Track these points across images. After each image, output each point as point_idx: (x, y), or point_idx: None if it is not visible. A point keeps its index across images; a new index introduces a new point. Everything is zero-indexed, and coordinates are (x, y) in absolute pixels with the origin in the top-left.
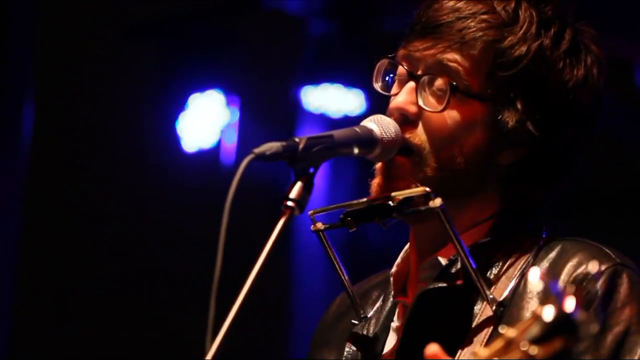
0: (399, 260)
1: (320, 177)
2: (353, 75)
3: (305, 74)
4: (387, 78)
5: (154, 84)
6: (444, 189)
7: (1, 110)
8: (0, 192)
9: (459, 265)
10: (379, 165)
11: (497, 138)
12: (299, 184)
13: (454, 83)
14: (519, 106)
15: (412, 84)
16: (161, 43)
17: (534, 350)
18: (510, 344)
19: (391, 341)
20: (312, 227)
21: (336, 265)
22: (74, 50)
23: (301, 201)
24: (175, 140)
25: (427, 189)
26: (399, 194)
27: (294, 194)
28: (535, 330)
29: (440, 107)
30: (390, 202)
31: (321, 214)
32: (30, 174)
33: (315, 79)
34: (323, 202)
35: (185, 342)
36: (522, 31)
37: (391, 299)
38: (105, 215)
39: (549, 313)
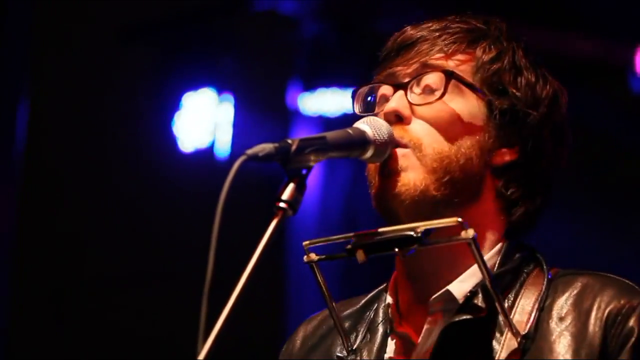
0: (390, 291)
1: (314, 178)
2: (347, 76)
3: (299, 74)
4: (367, 100)
5: (149, 84)
6: (443, 185)
7: None
8: None
9: (480, 297)
10: (374, 173)
11: (492, 134)
12: (291, 186)
13: (448, 70)
14: (509, 98)
15: (400, 92)
16: (155, 43)
17: None
18: None
19: None
20: (305, 259)
21: (327, 298)
22: (68, 51)
23: (293, 202)
24: (172, 140)
25: (459, 219)
26: (425, 225)
27: (286, 195)
28: None
29: (438, 95)
30: (411, 232)
31: (317, 243)
32: (25, 174)
33: (309, 80)
34: (316, 203)
35: (181, 343)
36: (495, 36)
37: (381, 331)
38: (102, 216)
39: None
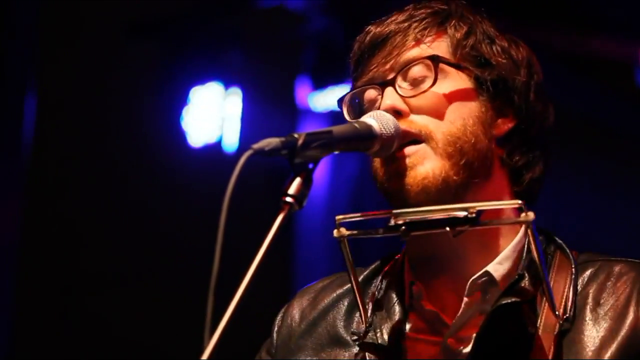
0: (409, 268)
1: (321, 172)
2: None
3: (306, 69)
4: (356, 105)
5: (157, 79)
6: (462, 174)
7: (3, 107)
8: (1, 187)
9: (526, 280)
10: (380, 169)
11: (488, 107)
12: (297, 180)
13: (433, 55)
14: (493, 62)
15: (389, 88)
16: (163, 38)
17: None
18: None
19: (413, 352)
20: (335, 233)
21: (352, 276)
22: (76, 46)
23: (300, 197)
24: (181, 135)
25: (520, 201)
26: (482, 205)
27: (292, 189)
28: None
29: (429, 83)
30: (465, 212)
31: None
32: (32, 169)
33: (317, 74)
34: (324, 197)
35: (189, 339)
36: (459, 13)
37: (398, 308)
38: (110, 212)
39: None
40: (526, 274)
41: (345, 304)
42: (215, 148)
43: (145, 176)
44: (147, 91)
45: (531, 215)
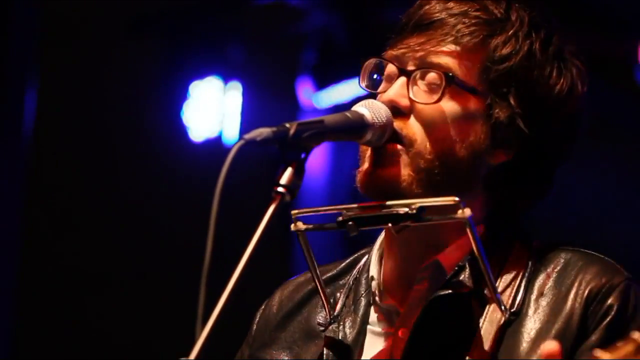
0: (375, 263)
1: (322, 160)
2: (356, 67)
3: (306, 64)
4: (374, 77)
5: (157, 74)
6: (433, 185)
7: (3, 101)
8: (1, 180)
9: (467, 272)
10: (367, 153)
11: (488, 135)
12: (289, 170)
13: (450, 74)
14: (511, 101)
15: (403, 79)
16: (163, 34)
17: None
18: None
19: (371, 345)
20: (292, 227)
21: (312, 268)
22: (76, 41)
23: (292, 187)
24: (182, 130)
25: (456, 198)
26: (421, 202)
27: (284, 179)
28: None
29: (435, 98)
30: (406, 209)
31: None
32: (32, 163)
33: (317, 70)
34: (325, 185)
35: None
36: (513, 29)
37: (364, 302)
38: (111, 207)
39: None
40: (467, 266)
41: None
42: (216, 143)
43: (146, 171)
44: (148, 86)
45: (467, 212)
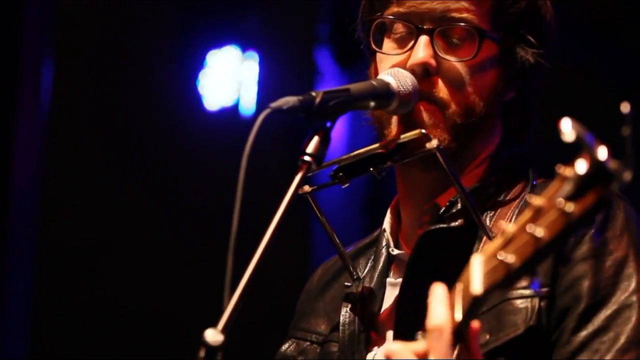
0: (388, 216)
1: (340, 133)
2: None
3: (324, 30)
4: (377, 38)
5: (173, 43)
6: (465, 136)
7: (20, 72)
8: (21, 152)
9: (458, 206)
10: (392, 119)
11: (506, 77)
12: (315, 138)
13: (480, 28)
14: (532, 40)
15: (425, 38)
16: (180, 2)
17: (569, 207)
18: (540, 211)
19: (389, 296)
20: (299, 191)
21: (327, 228)
22: (92, 10)
23: (318, 155)
24: (197, 98)
25: (423, 130)
26: (394, 141)
27: (310, 148)
28: (566, 189)
29: (471, 55)
30: (382, 151)
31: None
32: (49, 133)
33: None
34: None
35: (213, 299)
36: None
37: (384, 255)
38: (128, 176)
39: (581, 166)
40: (458, 200)
41: (359, 262)
42: (231, 111)
43: (162, 139)
44: (164, 55)
45: (434, 142)
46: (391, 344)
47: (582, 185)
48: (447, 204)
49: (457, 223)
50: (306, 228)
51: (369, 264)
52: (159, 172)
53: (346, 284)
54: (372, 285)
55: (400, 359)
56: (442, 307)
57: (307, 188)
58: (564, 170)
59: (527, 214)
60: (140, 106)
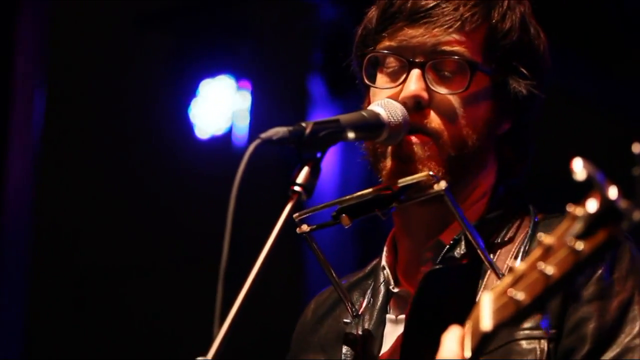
0: (385, 252)
1: (333, 161)
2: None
3: (317, 60)
4: (371, 72)
5: (166, 71)
6: (459, 169)
7: (13, 98)
8: (13, 181)
9: (462, 244)
10: (387, 149)
11: (500, 109)
12: (305, 169)
13: (472, 61)
14: (524, 72)
15: (417, 71)
16: (173, 29)
17: (580, 245)
18: (550, 249)
19: (389, 333)
20: (297, 230)
21: (324, 265)
22: (86, 37)
23: (308, 186)
24: (188, 127)
25: (431, 172)
26: (401, 182)
27: (301, 178)
28: (577, 227)
29: (462, 88)
30: (387, 192)
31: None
32: (41, 161)
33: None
34: (335, 188)
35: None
36: (506, 2)
37: (383, 292)
38: (119, 202)
39: (592, 205)
40: (462, 238)
41: (354, 296)
42: (222, 140)
43: (153, 167)
44: (157, 83)
45: (442, 184)
46: None
47: (592, 224)
48: (452, 242)
49: (463, 262)
50: (298, 256)
51: (366, 300)
52: (147, 199)
53: (345, 320)
54: (372, 322)
55: None
56: (453, 343)
57: (305, 227)
58: (575, 210)
59: (537, 252)
60: (133, 133)
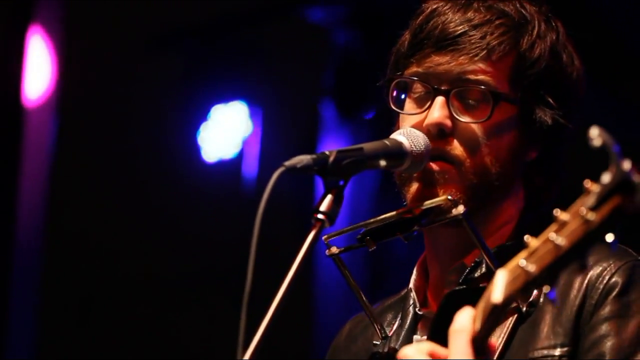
0: (415, 274)
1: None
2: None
3: (329, 85)
4: (402, 96)
5: (177, 95)
6: (482, 195)
7: (26, 121)
8: (25, 200)
9: (483, 267)
10: (414, 176)
11: (526, 137)
12: (329, 197)
13: (496, 91)
14: (551, 101)
15: (441, 99)
16: (185, 54)
17: (591, 215)
18: (564, 224)
19: None
20: (327, 252)
21: (354, 288)
22: (96, 61)
23: (331, 214)
24: (196, 150)
25: (449, 196)
26: (420, 206)
27: (324, 206)
28: (590, 200)
29: (485, 117)
30: (409, 215)
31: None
32: (52, 181)
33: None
34: (345, 214)
35: (208, 352)
36: (535, 29)
37: (411, 314)
38: (126, 224)
39: (606, 177)
40: (483, 261)
41: (387, 319)
42: (229, 164)
43: (158, 188)
44: (168, 106)
45: (460, 208)
46: (404, 348)
47: (605, 196)
48: (472, 264)
49: (481, 284)
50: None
51: (397, 322)
52: (159, 220)
53: (374, 342)
54: (398, 343)
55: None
56: (466, 316)
57: (334, 250)
58: (591, 185)
59: (552, 227)
60: (141, 154)
